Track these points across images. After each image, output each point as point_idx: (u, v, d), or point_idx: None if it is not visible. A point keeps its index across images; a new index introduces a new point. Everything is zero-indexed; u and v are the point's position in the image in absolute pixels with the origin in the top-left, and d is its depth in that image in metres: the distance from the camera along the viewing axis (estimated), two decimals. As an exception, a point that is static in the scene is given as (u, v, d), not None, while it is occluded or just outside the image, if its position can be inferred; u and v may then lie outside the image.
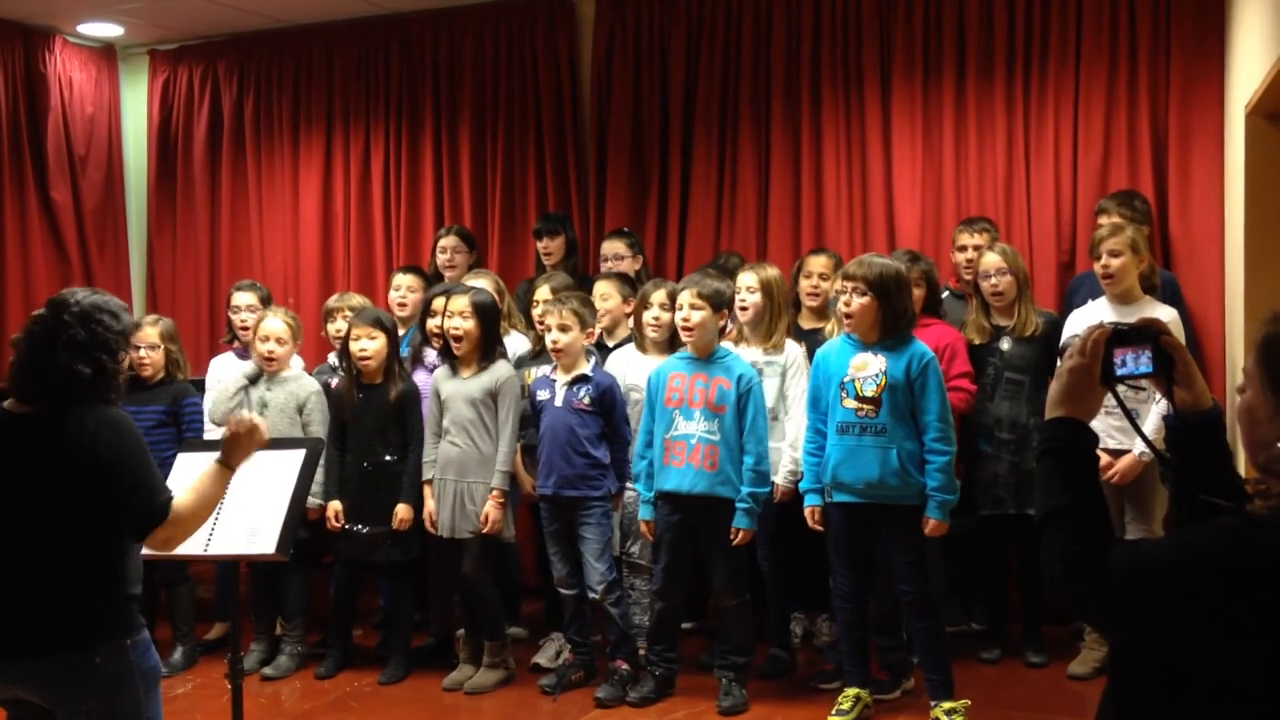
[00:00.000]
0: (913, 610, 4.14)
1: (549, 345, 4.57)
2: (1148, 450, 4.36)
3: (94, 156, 7.04)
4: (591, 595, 4.53)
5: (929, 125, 5.60)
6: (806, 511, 4.26)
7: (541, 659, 4.87)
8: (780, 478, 4.52)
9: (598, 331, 4.87)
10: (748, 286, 4.64)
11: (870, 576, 4.22)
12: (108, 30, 6.89)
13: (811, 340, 4.76)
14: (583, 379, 4.53)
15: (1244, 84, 4.63)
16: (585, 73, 6.26)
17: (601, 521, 4.53)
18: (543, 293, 4.95)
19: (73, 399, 2.58)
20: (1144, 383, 1.81)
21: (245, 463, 2.86)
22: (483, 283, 4.96)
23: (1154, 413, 4.11)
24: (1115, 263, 4.44)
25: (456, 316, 4.61)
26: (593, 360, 4.62)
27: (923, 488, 4.06)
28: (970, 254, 4.99)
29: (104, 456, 2.54)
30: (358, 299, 5.35)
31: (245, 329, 5.25)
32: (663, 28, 6.05)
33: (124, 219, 7.24)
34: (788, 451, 4.55)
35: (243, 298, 5.45)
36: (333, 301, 5.35)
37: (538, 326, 4.89)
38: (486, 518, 4.54)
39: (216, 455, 2.82)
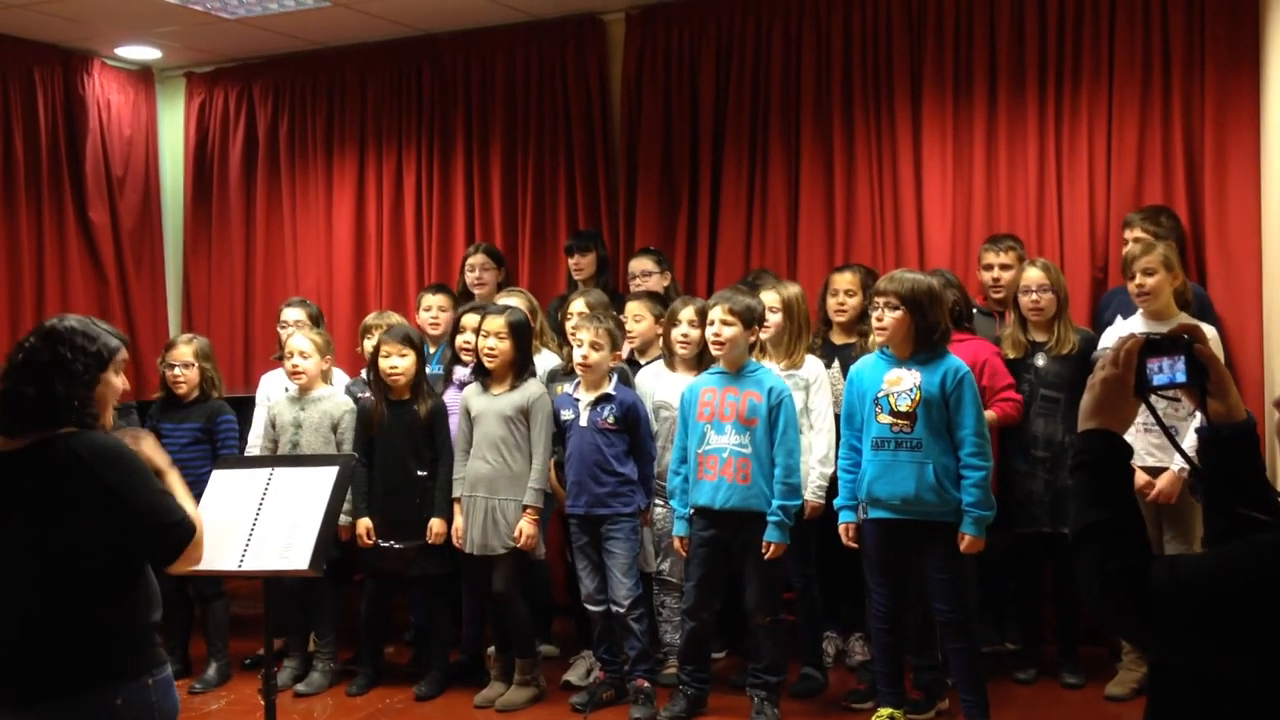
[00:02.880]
0: (948, 630, 4.10)
1: (577, 359, 4.57)
2: (1186, 466, 4.32)
3: (131, 178, 7.13)
4: (616, 609, 4.52)
5: (960, 141, 5.57)
6: (841, 528, 4.24)
7: (573, 677, 4.86)
8: (809, 493, 4.50)
9: (625, 353, 4.89)
10: (769, 305, 4.64)
11: (906, 595, 4.18)
12: (145, 53, 6.99)
13: (843, 356, 4.76)
14: (606, 398, 4.54)
15: (1279, 99, 4.59)
16: (615, 91, 6.28)
17: (630, 536, 4.53)
18: (577, 305, 4.97)
19: (53, 424, 2.46)
20: (1177, 393, 1.78)
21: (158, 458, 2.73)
22: (516, 301, 4.98)
23: (1192, 428, 4.06)
24: (1150, 281, 4.41)
25: (492, 337, 4.63)
26: (614, 378, 4.62)
27: (959, 504, 4.03)
28: (997, 273, 4.97)
29: (110, 485, 2.43)
30: (396, 317, 5.38)
31: (290, 345, 5.30)
32: (692, 46, 6.07)
33: (160, 239, 7.33)
34: (815, 467, 4.53)
35: (290, 314, 5.52)
36: (371, 319, 5.37)
37: (571, 339, 4.90)
38: (521, 533, 4.55)
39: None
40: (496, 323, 4.64)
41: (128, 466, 2.48)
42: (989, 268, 5.02)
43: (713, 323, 4.36)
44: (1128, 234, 4.82)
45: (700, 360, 4.66)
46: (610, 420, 4.52)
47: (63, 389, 2.49)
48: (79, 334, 2.57)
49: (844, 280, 4.95)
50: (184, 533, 2.51)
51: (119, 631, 2.47)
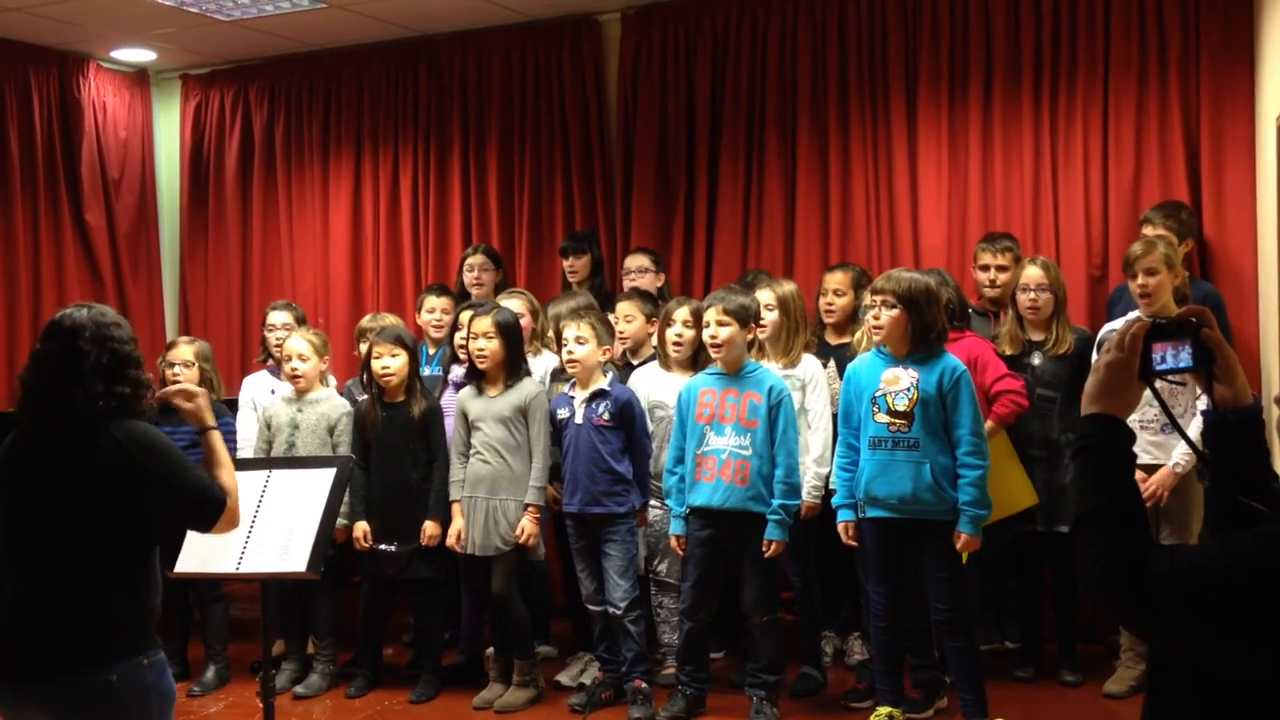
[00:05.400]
0: (946, 629, 4.10)
1: (564, 358, 4.58)
2: (1182, 464, 4.32)
3: (127, 179, 7.13)
4: (614, 611, 4.52)
5: (955, 140, 5.58)
6: (840, 527, 4.24)
7: (566, 678, 4.86)
8: (805, 494, 4.50)
9: (616, 350, 4.88)
10: (765, 304, 4.64)
11: (904, 594, 4.19)
12: (141, 55, 6.98)
13: (838, 355, 4.75)
14: (601, 394, 4.54)
15: (1274, 94, 4.61)
16: (611, 91, 6.28)
17: (626, 538, 4.53)
18: (557, 311, 4.97)
19: (104, 417, 2.57)
20: (1183, 377, 1.75)
21: (207, 415, 2.92)
22: (515, 302, 4.98)
23: (1198, 411, 4.06)
24: (1152, 281, 4.39)
25: (481, 337, 4.63)
26: (610, 375, 4.62)
27: (956, 503, 4.03)
28: (993, 273, 4.96)
29: (145, 472, 2.56)
30: (391, 319, 5.37)
31: (280, 348, 5.29)
32: (688, 45, 6.07)
33: (157, 241, 7.32)
34: (811, 467, 4.53)
35: (278, 317, 5.50)
36: (366, 322, 5.36)
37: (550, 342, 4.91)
38: (523, 531, 4.55)
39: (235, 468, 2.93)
40: (484, 323, 4.63)
41: (159, 449, 2.62)
42: (985, 268, 5.01)
43: (708, 324, 4.36)
44: (1148, 230, 4.78)
45: (695, 361, 4.66)
46: (605, 416, 4.52)
47: (144, 377, 2.68)
48: (112, 324, 2.67)
49: (834, 280, 4.96)
50: (217, 502, 2.67)
51: (120, 612, 2.56)
